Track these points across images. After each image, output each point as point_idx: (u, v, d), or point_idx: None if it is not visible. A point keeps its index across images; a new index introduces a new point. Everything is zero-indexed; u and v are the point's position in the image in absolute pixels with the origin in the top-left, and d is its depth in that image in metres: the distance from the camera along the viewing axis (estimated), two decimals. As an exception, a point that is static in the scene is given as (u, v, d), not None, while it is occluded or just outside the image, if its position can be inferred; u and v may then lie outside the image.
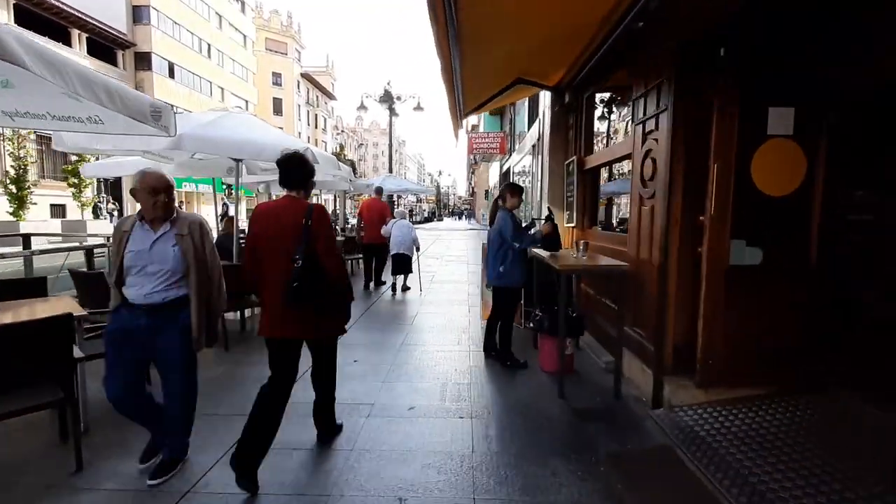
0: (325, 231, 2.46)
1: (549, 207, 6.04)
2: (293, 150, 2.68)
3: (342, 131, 68.38)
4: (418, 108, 20.34)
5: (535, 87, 5.77)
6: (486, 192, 26.68)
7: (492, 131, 13.62)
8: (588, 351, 4.73)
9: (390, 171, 19.85)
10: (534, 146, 8.38)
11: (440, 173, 72.61)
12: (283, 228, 2.42)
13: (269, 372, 2.56)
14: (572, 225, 6.00)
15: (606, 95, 5.73)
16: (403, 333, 5.54)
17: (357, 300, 7.49)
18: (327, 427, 2.96)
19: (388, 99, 19.74)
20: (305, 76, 55.51)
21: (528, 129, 9.11)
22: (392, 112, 20.21)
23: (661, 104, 3.44)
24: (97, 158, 8.70)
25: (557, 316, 3.93)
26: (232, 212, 9.26)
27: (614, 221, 5.87)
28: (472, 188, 64.08)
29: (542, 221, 4.36)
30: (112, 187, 28.62)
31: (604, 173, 5.76)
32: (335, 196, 17.40)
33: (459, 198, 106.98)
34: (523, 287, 4.52)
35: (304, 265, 2.35)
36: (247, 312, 5.60)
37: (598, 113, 5.85)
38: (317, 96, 59.35)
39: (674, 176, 3.33)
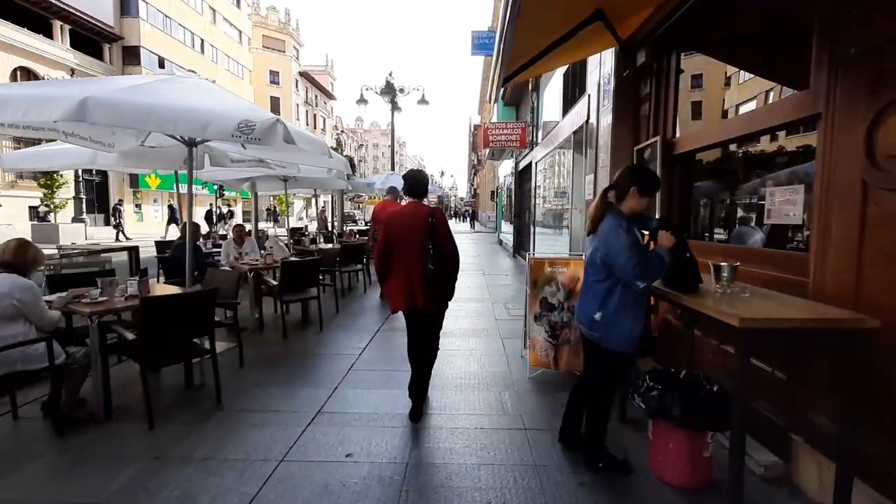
0: (445, 225, 3.32)
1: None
2: (274, 118, 3.31)
3: (342, 132, 66.76)
4: (423, 101, 18.72)
5: (604, 39, 4.11)
6: (493, 192, 24.96)
7: (508, 121, 11.92)
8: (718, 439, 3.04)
9: (392, 168, 18.18)
10: (575, 133, 6.70)
11: (442, 174, 70.91)
12: (413, 225, 3.25)
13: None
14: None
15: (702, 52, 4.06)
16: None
17: (366, 318, 6.46)
18: (420, 396, 3.47)
19: (389, 91, 18.10)
20: (304, 75, 53.98)
21: (565, 114, 7.43)
22: (394, 106, 18.58)
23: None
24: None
25: (691, 392, 2.28)
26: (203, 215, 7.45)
27: (755, 230, 4.18)
28: (475, 189, 62.45)
29: (653, 230, 2.61)
30: (97, 188, 27.02)
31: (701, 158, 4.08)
32: (332, 196, 15.68)
33: (461, 199, 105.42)
34: (638, 348, 2.52)
35: (433, 250, 3.17)
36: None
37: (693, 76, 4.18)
38: (315, 96, 57.80)
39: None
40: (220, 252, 6.31)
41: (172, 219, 21.87)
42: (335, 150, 12.32)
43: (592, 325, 2.51)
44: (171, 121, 3.20)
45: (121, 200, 23.76)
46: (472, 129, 60.35)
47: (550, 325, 4.14)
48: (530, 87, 10.79)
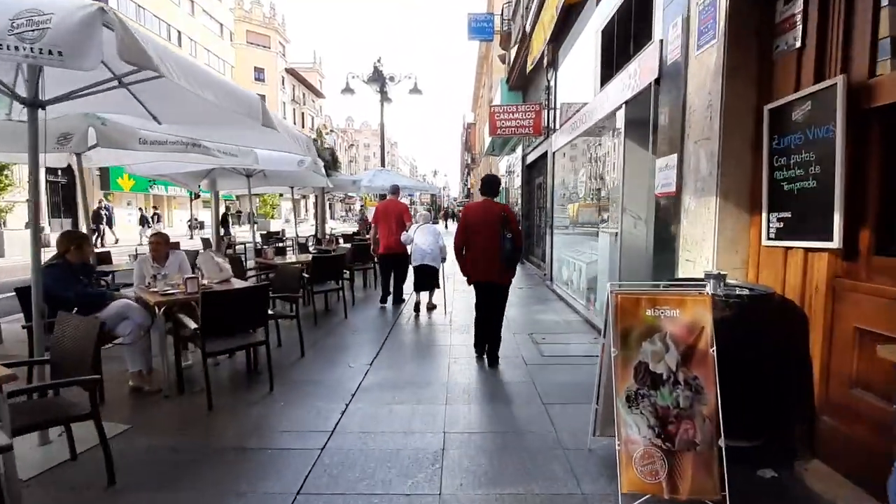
0: (514, 217, 4.31)
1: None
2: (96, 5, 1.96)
3: (331, 131, 64.56)
4: (415, 90, 16.89)
5: None
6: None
7: (519, 104, 10.05)
8: None
9: (382, 164, 16.27)
10: (629, 105, 4.91)
11: (435, 174, 69.01)
12: (488, 218, 4.21)
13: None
14: (809, 245, 2.58)
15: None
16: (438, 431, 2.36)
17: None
18: (494, 349, 4.43)
19: (378, 79, 16.24)
20: (291, 72, 51.97)
21: (605, 84, 5.67)
22: (384, 96, 16.73)
23: None
24: None
25: None
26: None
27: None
28: (469, 189, 60.60)
29: None
30: (63, 189, 24.80)
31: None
32: (315, 197, 13.79)
33: (454, 199, 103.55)
34: None
35: (510, 237, 4.10)
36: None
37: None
38: (303, 94, 55.77)
39: None
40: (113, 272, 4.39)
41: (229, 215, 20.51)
42: (314, 141, 10.49)
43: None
44: None
45: (101, 202, 21.28)
46: (466, 127, 58.53)
47: (657, 414, 2.33)
48: (546, 62, 8.99)
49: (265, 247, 6.87)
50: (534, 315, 6.60)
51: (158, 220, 23.96)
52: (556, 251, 9.09)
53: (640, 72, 4.53)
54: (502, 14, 17.75)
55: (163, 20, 31.62)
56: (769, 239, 2.96)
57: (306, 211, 58.97)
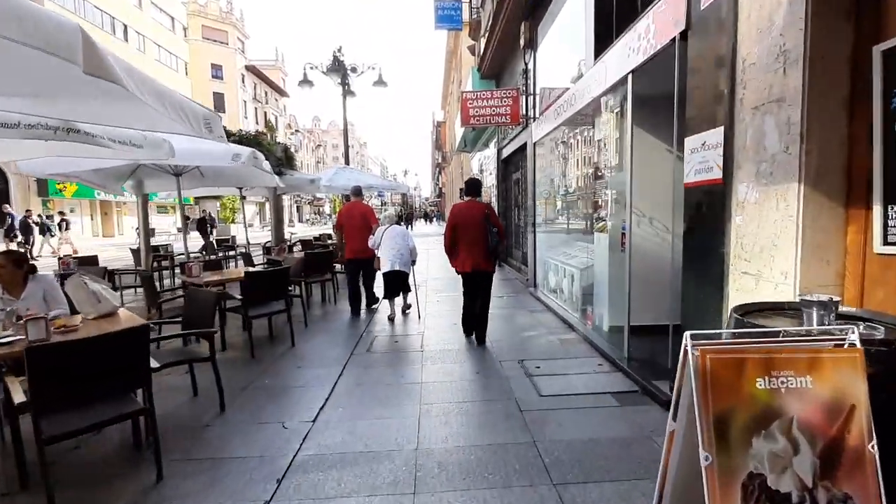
0: (495, 214, 5.06)
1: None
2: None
3: (296, 131, 62.25)
4: (380, 82, 15.71)
5: None
6: (461, 190, 22.11)
7: (493, 90, 8.98)
8: None
9: (346, 161, 15.03)
10: (635, 75, 3.92)
11: (405, 173, 67.65)
12: (474, 216, 4.80)
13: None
14: None
15: None
16: None
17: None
18: (481, 331, 5.03)
19: (338, 69, 14.99)
20: (251, 69, 49.74)
21: (600, 55, 4.70)
22: (346, 89, 15.51)
23: None
24: None
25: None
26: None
27: None
28: (440, 188, 59.51)
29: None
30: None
31: None
32: (266, 200, 12.51)
33: (425, 199, 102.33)
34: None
35: (495, 230, 4.76)
36: None
37: None
38: (265, 92, 53.51)
39: None
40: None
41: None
42: (263, 135, 9.16)
43: None
44: None
45: (29, 211, 18.68)
46: (436, 125, 57.43)
47: (790, 572, 1.30)
48: (522, 43, 7.99)
49: (190, 262, 5.56)
50: (521, 333, 5.57)
51: (67, 228, 19.49)
52: (539, 253, 8.11)
53: (654, 29, 3.53)
54: (470, 3, 16.73)
55: (105, 12, 29.34)
56: (886, 244, 2.00)
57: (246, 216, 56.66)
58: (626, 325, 4.25)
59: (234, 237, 16.81)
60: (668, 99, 3.42)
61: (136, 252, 8.88)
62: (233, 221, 31.33)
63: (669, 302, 3.63)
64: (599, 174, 5.41)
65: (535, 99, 8.05)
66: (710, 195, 2.87)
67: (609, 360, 4.33)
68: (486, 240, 4.73)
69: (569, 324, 5.71)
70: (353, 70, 15.87)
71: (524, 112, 8.41)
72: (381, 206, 62.53)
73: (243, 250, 9.83)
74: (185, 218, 24.15)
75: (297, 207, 60.85)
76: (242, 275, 4.94)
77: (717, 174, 2.76)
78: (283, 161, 9.81)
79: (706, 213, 2.93)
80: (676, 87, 3.28)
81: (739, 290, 2.61)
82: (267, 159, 9.03)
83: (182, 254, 7.81)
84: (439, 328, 5.80)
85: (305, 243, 10.73)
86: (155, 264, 8.26)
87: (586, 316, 5.47)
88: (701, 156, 2.94)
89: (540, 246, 8.10)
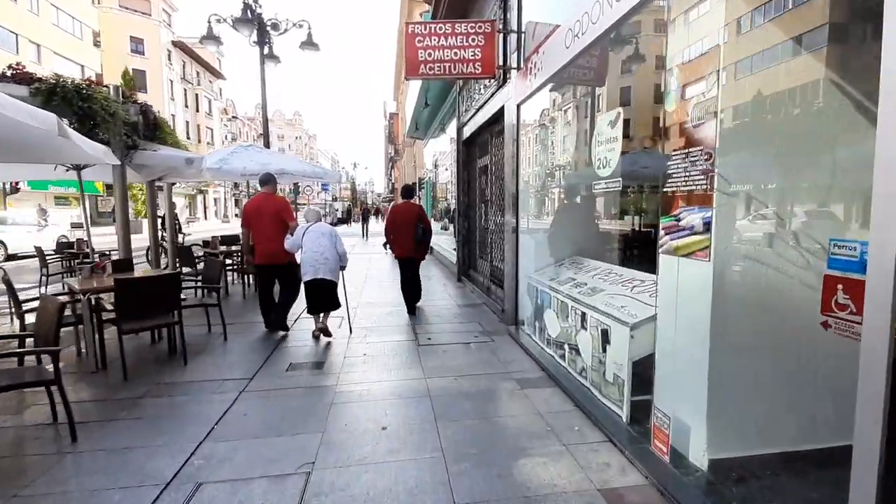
0: (425, 214, 6.38)
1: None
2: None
3: (234, 117, 56.65)
4: (309, 43, 12.46)
5: None
6: (418, 182, 19.07)
7: (459, 20, 5.78)
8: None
9: (266, 144, 11.58)
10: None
11: (355, 166, 63.54)
12: (408, 215, 6.15)
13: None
14: None
15: None
16: None
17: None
18: (415, 300, 6.39)
19: (251, 22, 11.67)
20: (179, 45, 44.46)
21: None
22: (263, 49, 12.24)
23: None
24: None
25: None
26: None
27: None
28: (393, 184, 56.05)
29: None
30: None
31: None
32: (218, 188, 9.01)
33: (378, 195, 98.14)
34: None
35: (422, 230, 6.14)
36: None
37: None
38: (197, 72, 48.18)
39: None
40: None
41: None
42: (97, 86, 5.91)
43: None
44: None
45: None
46: (388, 118, 53.78)
47: None
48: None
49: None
50: (513, 461, 2.73)
51: None
52: (524, 269, 5.32)
53: None
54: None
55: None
56: None
57: (205, 208, 50.93)
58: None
59: (76, 240, 12.88)
60: None
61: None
62: (143, 216, 26.57)
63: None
64: (654, 147, 2.64)
65: (519, 39, 5.25)
66: None
67: None
68: (415, 234, 6.11)
69: (611, 437, 2.93)
70: (275, 27, 12.57)
71: (502, 61, 5.59)
72: (334, 200, 57.57)
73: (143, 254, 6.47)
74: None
75: (236, 201, 55.33)
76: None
77: None
78: (142, 128, 6.49)
79: None
80: None
81: None
82: (107, 123, 5.96)
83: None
84: (381, 352, 2.91)
85: (184, 250, 7.43)
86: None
87: (654, 433, 2.70)
88: None
89: (526, 260, 5.31)
